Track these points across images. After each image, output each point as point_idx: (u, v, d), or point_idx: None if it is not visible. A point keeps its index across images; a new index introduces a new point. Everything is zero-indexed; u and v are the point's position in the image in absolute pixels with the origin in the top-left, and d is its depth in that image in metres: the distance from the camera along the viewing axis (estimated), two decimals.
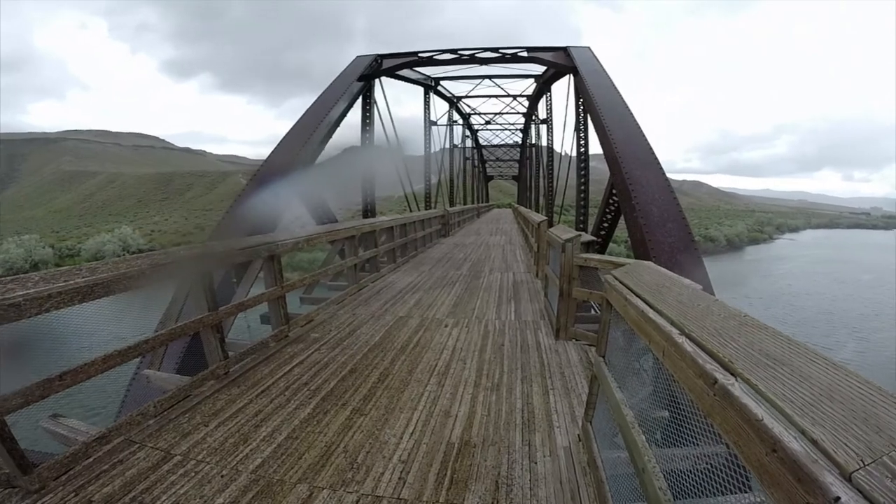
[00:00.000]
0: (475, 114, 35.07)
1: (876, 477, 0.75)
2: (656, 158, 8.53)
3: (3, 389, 2.30)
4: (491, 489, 2.50)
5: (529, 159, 36.29)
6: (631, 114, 10.06)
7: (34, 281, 2.48)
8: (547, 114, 26.19)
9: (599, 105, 10.65)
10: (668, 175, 8.31)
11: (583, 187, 15.52)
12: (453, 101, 30.07)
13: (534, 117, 29.82)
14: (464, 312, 6.39)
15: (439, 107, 33.58)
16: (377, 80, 16.65)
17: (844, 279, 49.04)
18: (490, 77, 23.68)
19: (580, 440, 2.91)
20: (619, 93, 11.11)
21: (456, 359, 4.54)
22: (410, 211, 21.09)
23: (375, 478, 2.59)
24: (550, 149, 26.58)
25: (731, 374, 1.18)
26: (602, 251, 10.37)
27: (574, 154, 16.90)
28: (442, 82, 25.38)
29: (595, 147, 12.57)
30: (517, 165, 50.75)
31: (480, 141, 45.51)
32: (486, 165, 55.69)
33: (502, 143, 46.95)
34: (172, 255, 3.56)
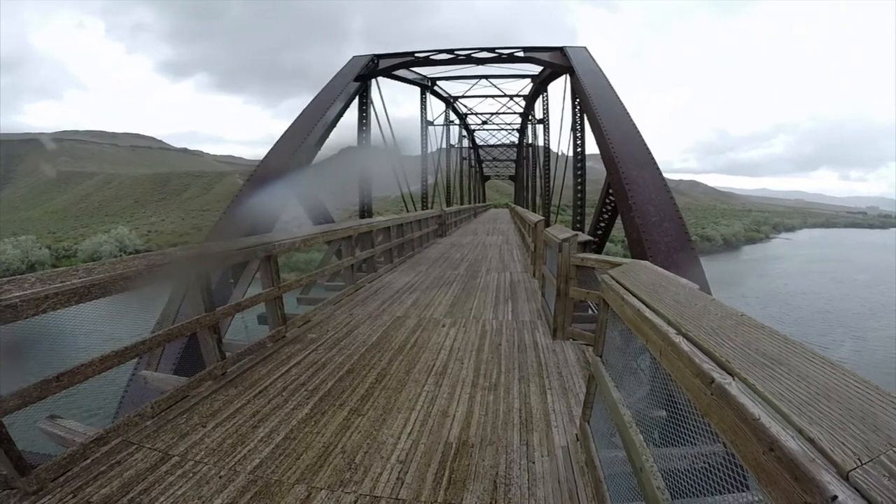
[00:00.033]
0: (472, 114, 35.04)
1: (873, 476, 0.75)
2: (653, 158, 8.54)
3: (1, 391, 2.29)
4: (489, 489, 2.50)
5: (526, 159, 36.32)
6: (627, 114, 10.08)
7: (31, 282, 2.47)
8: (543, 114, 26.25)
9: (596, 105, 10.66)
10: (665, 175, 8.33)
11: (579, 187, 15.56)
12: (450, 101, 30.07)
13: (530, 117, 29.85)
14: (461, 312, 6.39)
15: (436, 107, 33.60)
16: (374, 81, 16.63)
17: (841, 278, 49.26)
18: (486, 77, 23.72)
19: (578, 440, 2.92)
20: (615, 93, 11.13)
21: (453, 359, 4.54)
22: (407, 211, 21.08)
23: (373, 478, 2.59)
24: (547, 149, 26.62)
25: (728, 374, 1.18)
26: (599, 251, 10.39)
27: (571, 154, 16.93)
28: (438, 82, 25.38)
29: (592, 147, 12.60)
30: (514, 165, 50.78)
31: (477, 141, 45.53)
32: (483, 165, 55.69)
33: (499, 143, 46.96)
34: (169, 255, 3.55)
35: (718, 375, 1.18)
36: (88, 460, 2.66)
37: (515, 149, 45.41)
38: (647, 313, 1.80)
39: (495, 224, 27.04)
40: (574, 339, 5.10)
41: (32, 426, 3.08)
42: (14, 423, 2.36)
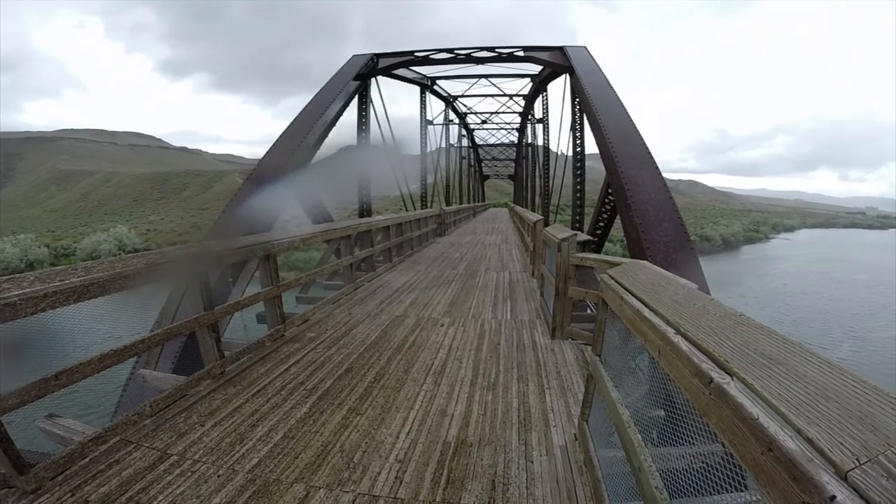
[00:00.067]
0: (471, 113, 35.06)
1: (872, 476, 0.75)
2: (652, 158, 8.55)
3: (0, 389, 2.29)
4: (487, 488, 2.50)
5: (526, 159, 36.29)
6: (627, 113, 10.08)
7: (30, 280, 2.47)
8: (543, 113, 26.23)
9: (595, 104, 10.66)
10: (664, 174, 8.33)
11: (579, 187, 15.56)
12: (449, 101, 30.05)
13: (530, 117, 29.83)
14: (460, 312, 6.39)
15: (435, 106, 33.57)
16: (373, 80, 16.63)
17: (840, 279, 49.35)
18: (486, 76, 23.70)
19: (576, 439, 2.92)
20: (615, 92, 11.13)
21: (452, 358, 4.54)
22: (406, 210, 21.08)
23: (372, 477, 2.59)
24: (546, 148, 26.60)
25: (727, 374, 1.18)
26: (598, 250, 10.40)
27: (570, 153, 16.93)
28: (438, 82, 25.40)
29: (591, 146, 12.61)
30: (513, 165, 50.74)
31: (477, 140, 45.51)
32: (483, 165, 55.66)
33: (498, 142, 46.92)
34: (168, 254, 3.55)
35: (717, 375, 1.18)
36: (87, 459, 2.66)
37: (515, 148, 45.36)
38: (646, 313, 1.80)
39: (494, 223, 27.03)
40: (573, 339, 5.09)
41: (31, 425, 3.07)
42: (13, 422, 2.35)
